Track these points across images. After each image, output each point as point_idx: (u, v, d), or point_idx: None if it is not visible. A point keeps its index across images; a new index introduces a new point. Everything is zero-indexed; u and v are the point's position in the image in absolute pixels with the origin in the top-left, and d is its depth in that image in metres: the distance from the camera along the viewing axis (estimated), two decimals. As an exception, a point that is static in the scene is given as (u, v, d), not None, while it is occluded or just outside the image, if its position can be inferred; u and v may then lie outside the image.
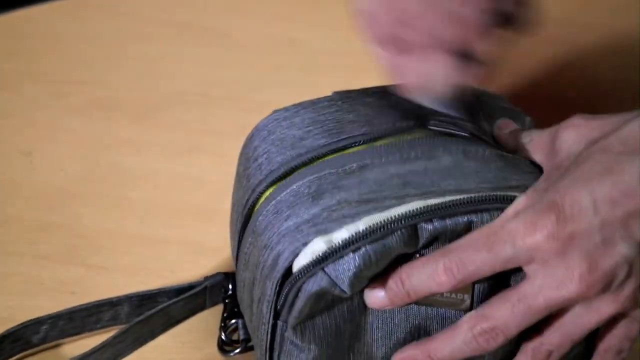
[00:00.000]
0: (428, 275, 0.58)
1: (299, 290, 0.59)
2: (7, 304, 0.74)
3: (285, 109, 0.69)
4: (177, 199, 0.84)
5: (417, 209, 0.58)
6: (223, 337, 0.70)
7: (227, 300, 0.73)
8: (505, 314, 0.58)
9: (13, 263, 0.78)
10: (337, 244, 0.58)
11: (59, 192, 0.84)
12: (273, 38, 1.02)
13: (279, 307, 0.60)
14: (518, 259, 0.57)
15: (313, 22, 1.03)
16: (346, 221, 0.59)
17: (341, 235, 0.58)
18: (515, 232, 0.57)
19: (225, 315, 0.71)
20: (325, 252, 0.58)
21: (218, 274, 0.73)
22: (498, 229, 0.57)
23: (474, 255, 0.57)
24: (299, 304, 0.59)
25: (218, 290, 0.73)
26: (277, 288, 0.60)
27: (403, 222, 0.58)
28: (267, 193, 0.64)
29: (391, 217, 0.58)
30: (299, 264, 0.59)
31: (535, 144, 0.64)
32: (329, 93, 0.69)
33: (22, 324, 0.68)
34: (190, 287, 0.73)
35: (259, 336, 0.63)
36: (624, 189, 0.56)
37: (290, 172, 0.64)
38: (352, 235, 0.58)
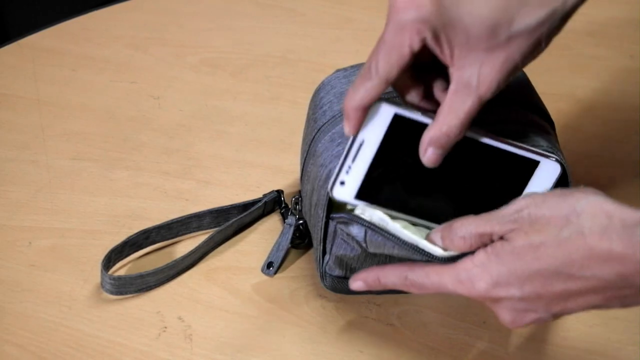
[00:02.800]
0: (396, 278, 0.56)
1: (341, 221, 0.59)
2: (141, 206, 0.75)
3: (345, 69, 0.68)
4: (262, 133, 0.83)
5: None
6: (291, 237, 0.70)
7: (282, 211, 0.73)
8: (428, 281, 0.54)
9: (145, 176, 0.78)
10: (374, 224, 0.57)
11: (177, 126, 0.85)
12: (335, 17, 1.00)
13: (330, 210, 0.60)
14: (459, 294, 0.54)
15: (365, 5, 1.02)
16: None
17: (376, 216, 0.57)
18: (460, 284, 0.53)
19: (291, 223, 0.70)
20: (369, 222, 0.57)
21: (272, 191, 0.73)
22: (452, 274, 0.53)
23: (428, 283, 0.54)
24: (337, 239, 0.60)
25: (272, 203, 0.73)
26: (328, 195, 0.59)
27: None
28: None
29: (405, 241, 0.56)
30: None
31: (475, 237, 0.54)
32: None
33: (136, 233, 0.69)
34: (254, 202, 0.73)
35: (316, 232, 0.63)
36: (551, 290, 0.51)
37: None
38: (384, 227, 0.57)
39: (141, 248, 0.70)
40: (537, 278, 0.50)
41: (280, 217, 0.73)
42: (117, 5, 1.03)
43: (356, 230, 0.58)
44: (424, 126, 0.54)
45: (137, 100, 0.88)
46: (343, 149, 0.59)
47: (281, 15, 1.01)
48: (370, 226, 0.57)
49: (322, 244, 0.62)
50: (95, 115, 0.86)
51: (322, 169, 0.61)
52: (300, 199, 0.69)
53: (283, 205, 0.73)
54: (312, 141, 0.65)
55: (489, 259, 0.52)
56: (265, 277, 0.68)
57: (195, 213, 0.71)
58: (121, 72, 0.92)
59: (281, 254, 0.68)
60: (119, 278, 0.66)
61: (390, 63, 0.52)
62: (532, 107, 0.64)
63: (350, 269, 0.63)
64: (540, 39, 0.53)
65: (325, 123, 0.64)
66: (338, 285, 0.64)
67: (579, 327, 0.64)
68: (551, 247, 0.50)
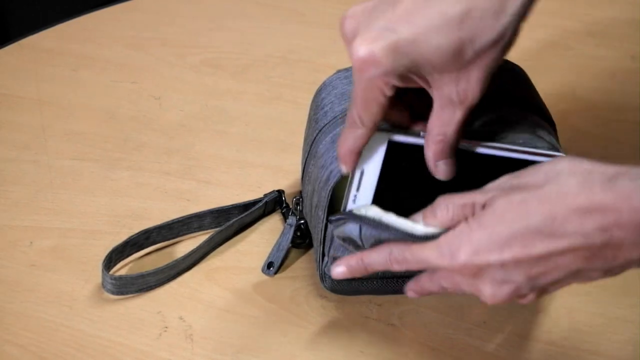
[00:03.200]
0: (379, 256, 0.56)
1: (338, 220, 0.58)
2: (142, 206, 0.75)
3: (346, 69, 0.68)
4: (262, 134, 0.84)
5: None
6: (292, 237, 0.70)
7: (283, 211, 0.73)
8: (412, 259, 0.55)
9: (145, 176, 0.78)
10: (368, 217, 0.57)
11: (178, 126, 0.85)
12: (335, 17, 1.00)
13: (330, 211, 0.60)
14: (441, 268, 0.54)
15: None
16: None
17: (372, 212, 0.57)
18: (442, 257, 0.53)
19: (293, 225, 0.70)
20: (365, 217, 0.57)
21: (273, 191, 0.73)
22: (433, 247, 0.53)
23: (410, 257, 0.54)
24: (335, 240, 0.60)
25: (272, 203, 0.73)
26: (329, 197, 0.60)
27: None
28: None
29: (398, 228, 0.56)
30: None
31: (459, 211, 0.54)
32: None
33: (137, 233, 0.69)
34: (254, 202, 0.73)
35: (316, 233, 0.63)
36: (531, 254, 0.50)
37: None
38: (379, 219, 0.57)
39: (142, 248, 0.70)
40: (517, 240, 0.50)
41: (281, 217, 0.73)
42: (117, 5, 1.03)
43: (351, 227, 0.58)
44: (419, 146, 0.56)
45: (138, 100, 0.88)
46: None
47: (282, 15, 1.01)
48: (364, 220, 0.57)
49: (321, 245, 0.63)
50: (96, 116, 0.86)
51: (323, 170, 0.61)
52: (301, 199, 0.69)
53: (284, 205, 0.73)
54: (313, 142, 0.65)
55: (469, 226, 0.52)
56: (266, 277, 0.69)
57: (196, 213, 0.71)
58: (122, 73, 0.92)
59: (281, 254, 0.69)
60: (120, 278, 0.66)
61: (372, 112, 0.55)
62: (534, 108, 0.64)
63: None
64: (510, 39, 0.53)
65: (327, 124, 0.64)
66: (338, 286, 0.64)
67: (580, 327, 0.64)
68: (532, 203, 0.50)
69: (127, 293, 0.66)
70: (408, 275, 0.59)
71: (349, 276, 0.58)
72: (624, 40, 0.96)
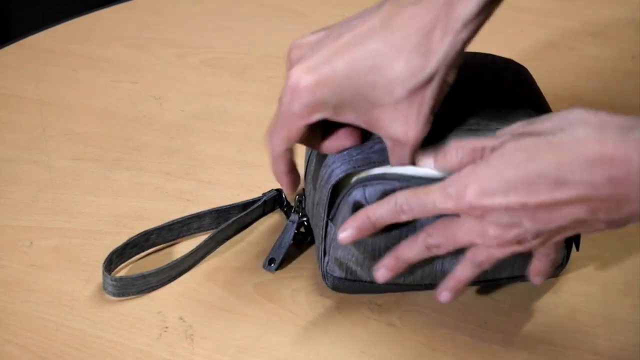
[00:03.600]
0: (385, 208, 0.56)
1: (343, 197, 0.59)
2: (142, 206, 0.75)
3: None
4: (263, 134, 0.83)
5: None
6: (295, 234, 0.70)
7: (284, 209, 0.73)
8: (441, 238, 0.56)
9: (146, 176, 0.78)
10: (372, 175, 0.58)
11: (178, 126, 0.85)
12: (335, 17, 1.00)
13: (330, 209, 0.61)
14: (447, 211, 0.54)
15: (364, 6, 1.02)
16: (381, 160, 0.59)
17: (375, 171, 0.59)
18: (448, 198, 0.53)
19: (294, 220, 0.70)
20: (366, 177, 0.59)
21: (271, 190, 0.73)
22: (439, 189, 0.54)
23: (416, 203, 0.55)
24: (343, 209, 0.60)
25: (272, 202, 0.73)
26: (330, 194, 0.60)
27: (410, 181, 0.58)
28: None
29: (405, 175, 0.58)
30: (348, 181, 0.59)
31: (467, 154, 0.55)
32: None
33: (137, 234, 0.69)
34: (253, 202, 0.73)
35: (317, 231, 0.64)
36: (536, 200, 0.51)
37: None
38: (382, 173, 0.58)
39: (142, 250, 0.70)
40: (524, 184, 0.50)
41: (283, 215, 0.74)
42: (118, 5, 1.03)
43: (355, 193, 0.58)
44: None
45: (139, 100, 0.88)
46: (346, 149, 0.60)
47: (282, 15, 1.02)
48: (368, 179, 0.57)
49: (323, 242, 0.63)
50: (96, 116, 0.86)
51: (325, 169, 0.61)
52: (304, 197, 0.69)
53: (285, 203, 0.73)
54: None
55: (477, 167, 0.52)
56: (266, 277, 0.69)
57: (196, 213, 0.71)
58: (122, 73, 0.92)
59: (283, 250, 0.68)
60: (121, 279, 0.66)
61: (287, 138, 0.58)
62: (538, 107, 0.64)
63: (350, 272, 0.63)
64: (444, 77, 0.54)
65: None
66: (340, 285, 0.65)
67: (581, 327, 0.64)
68: (542, 149, 0.50)
69: (128, 295, 0.67)
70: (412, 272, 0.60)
71: (357, 237, 0.58)
72: (624, 41, 0.96)
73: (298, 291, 0.68)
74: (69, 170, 0.79)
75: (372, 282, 0.63)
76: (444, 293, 0.59)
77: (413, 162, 0.57)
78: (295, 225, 0.69)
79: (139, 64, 0.93)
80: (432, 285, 0.62)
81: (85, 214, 0.74)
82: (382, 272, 0.59)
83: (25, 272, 0.69)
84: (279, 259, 0.68)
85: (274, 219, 0.74)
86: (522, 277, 0.63)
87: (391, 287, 0.64)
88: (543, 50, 0.96)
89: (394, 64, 0.53)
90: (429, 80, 0.53)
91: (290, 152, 0.59)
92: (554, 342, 0.63)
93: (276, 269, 0.68)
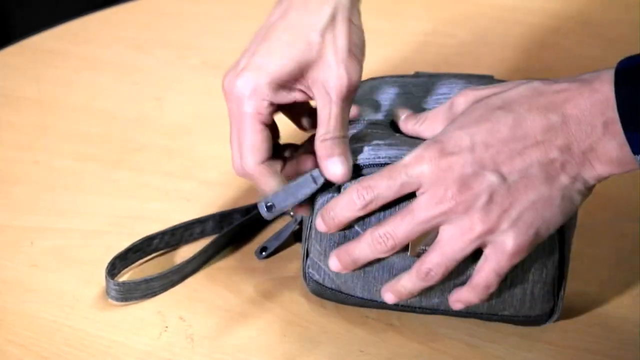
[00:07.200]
0: (346, 201, 0.57)
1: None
2: (143, 206, 0.75)
3: (391, 76, 0.69)
4: None
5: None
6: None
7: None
8: (396, 223, 0.56)
9: (146, 177, 0.78)
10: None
11: (179, 127, 0.85)
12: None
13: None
14: (410, 184, 0.56)
15: (364, 6, 1.02)
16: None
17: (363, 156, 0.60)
18: (408, 163, 0.56)
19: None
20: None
21: None
22: (398, 163, 0.56)
23: (379, 182, 0.56)
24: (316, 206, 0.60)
25: None
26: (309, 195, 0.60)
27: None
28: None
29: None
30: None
31: (434, 118, 0.60)
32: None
33: (140, 239, 0.68)
34: (255, 205, 0.71)
35: (304, 230, 0.63)
36: (498, 137, 0.54)
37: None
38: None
39: (145, 254, 0.70)
40: (486, 121, 0.55)
41: (283, 218, 0.74)
42: (119, 6, 1.04)
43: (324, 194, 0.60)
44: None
45: (139, 101, 0.88)
46: None
47: (283, 16, 1.01)
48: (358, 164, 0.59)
49: (306, 242, 0.62)
50: (97, 116, 0.86)
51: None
52: None
53: None
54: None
55: (445, 129, 0.58)
56: (266, 277, 0.69)
57: (199, 218, 0.71)
58: (123, 73, 0.92)
59: (277, 242, 0.69)
60: (124, 284, 0.66)
61: (254, 147, 0.60)
62: None
63: (328, 277, 0.63)
64: (353, 7, 0.61)
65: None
66: (319, 290, 0.64)
67: (579, 326, 0.64)
68: (505, 91, 0.56)
69: (131, 299, 0.66)
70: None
71: (343, 271, 0.59)
72: (624, 42, 0.96)
73: (298, 291, 0.68)
74: (70, 171, 0.79)
75: (354, 298, 0.63)
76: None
77: (341, 125, 0.59)
78: (298, 222, 0.69)
79: (139, 65, 0.93)
80: (407, 307, 0.62)
81: (85, 214, 0.74)
82: (334, 262, 0.59)
83: (26, 272, 0.69)
84: (271, 249, 0.69)
85: (277, 220, 0.74)
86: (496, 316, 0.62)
87: (372, 303, 0.63)
88: (542, 51, 0.96)
89: (303, 19, 0.58)
90: (332, 18, 0.58)
91: (268, 165, 0.59)
92: (554, 342, 0.63)
93: (266, 257, 0.69)
